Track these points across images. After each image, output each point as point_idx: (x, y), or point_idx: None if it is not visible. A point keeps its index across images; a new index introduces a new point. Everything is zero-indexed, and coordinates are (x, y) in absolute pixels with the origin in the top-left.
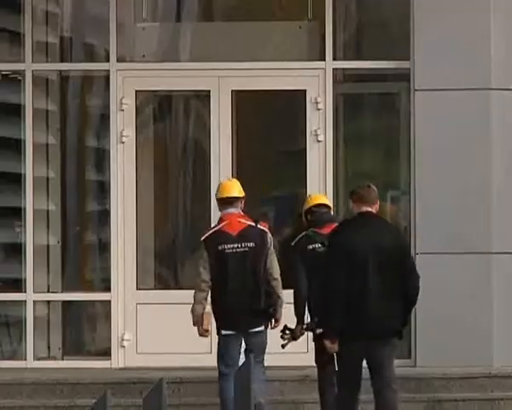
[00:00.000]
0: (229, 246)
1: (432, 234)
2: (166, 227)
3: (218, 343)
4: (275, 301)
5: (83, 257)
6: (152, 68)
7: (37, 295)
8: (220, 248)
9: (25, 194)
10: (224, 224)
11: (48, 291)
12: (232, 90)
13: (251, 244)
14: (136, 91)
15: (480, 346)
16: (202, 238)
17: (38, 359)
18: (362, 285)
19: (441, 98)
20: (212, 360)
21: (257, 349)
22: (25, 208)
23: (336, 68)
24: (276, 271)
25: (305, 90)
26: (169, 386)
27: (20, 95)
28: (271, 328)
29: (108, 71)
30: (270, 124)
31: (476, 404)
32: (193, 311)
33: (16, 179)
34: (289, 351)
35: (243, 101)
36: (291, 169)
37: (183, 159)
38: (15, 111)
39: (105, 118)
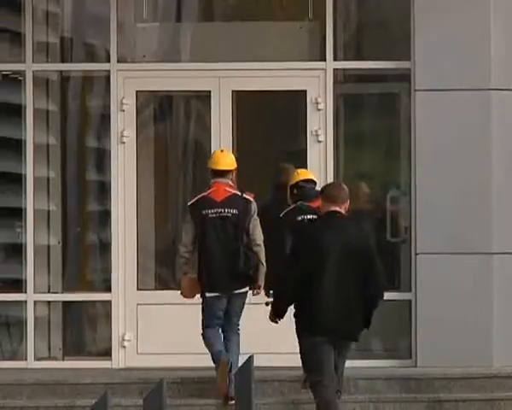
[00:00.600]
0: (212, 211)
1: (432, 234)
2: (167, 227)
3: (202, 304)
4: (255, 264)
5: (83, 257)
6: (152, 69)
7: (37, 295)
8: (204, 212)
9: (25, 194)
10: (210, 191)
11: (48, 291)
12: (232, 91)
13: (234, 211)
14: (137, 92)
15: (480, 346)
16: (189, 204)
17: (39, 359)
18: (323, 285)
19: (441, 98)
20: (212, 361)
21: (237, 311)
22: (25, 209)
23: (337, 68)
24: (258, 237)
25: (305, 91)
26: (169, 386)
27: (20, 95)
28: (253, 294)
29: (109, 71)
30: (271, 124)
31: (476, 404)
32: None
33: (17, 179)
34: (289, 351)
35: (243, 101)
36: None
37: (183, 159)
38: (16, 111)
39: (105, 118)
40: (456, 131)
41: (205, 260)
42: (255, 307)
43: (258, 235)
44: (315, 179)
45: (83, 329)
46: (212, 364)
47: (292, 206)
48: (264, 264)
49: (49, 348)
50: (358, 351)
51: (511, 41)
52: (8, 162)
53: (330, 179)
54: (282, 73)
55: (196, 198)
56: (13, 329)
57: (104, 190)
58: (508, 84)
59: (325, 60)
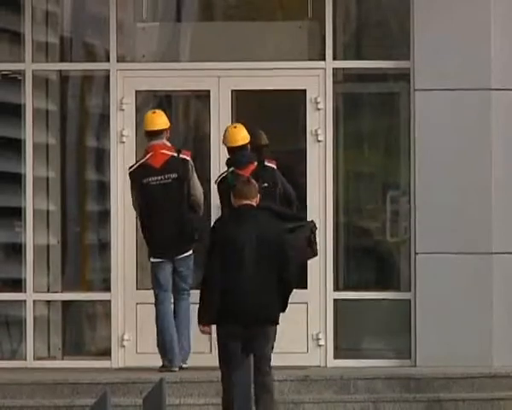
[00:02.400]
0: (153, 179)
1: (432, 234)
2: None
3: (151, 269)
4: (200, 225)
5: (83, 257)
6: (152, 68)
7: (37, 295)
8: (145, 181)
9: (25, 194)
10: (148, 156)
11: (48, 291)
12: (232, 90)
13: (173, 175)
14: (136, 91)
15: (480, 346)
16: (129, 171)
17: (38, 359)
18: (239, 274)
19: (441, 98)
20: (212, 360)
21: (184, 274)
22: (25, 208)
23: (336, 68)
24: (199, 194)
25: (305, 90)
26: (169, 386)
27: (20, 95)
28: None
29: (108, 71)
30: (270, 124)
31: (476, 404)
32: None
33: (16, 179)
34: (289, 351)
35: (243, 101)
36: (291, 169)
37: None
38: (15, 111)
39: (105, 118)
40: (456, 130)
41: (149, 226)
42: None
43: (198, 192)
44: (247, 142)
45: (82, 328)
46: (212, 364)
47: (224, 173)
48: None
49: (49, 348)
50: (358, 351)
51: (511, 41)
52: (8, 162)
53: (330, 179)
54: (281, 72)
55: (135, 166)
56: (12, 328)
57: (103, 189)
58: (508, 84)
59: (325, 59)
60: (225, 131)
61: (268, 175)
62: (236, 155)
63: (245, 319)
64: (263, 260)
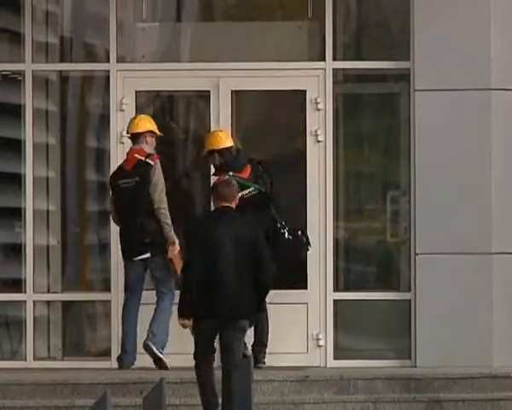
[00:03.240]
0: (122, 181)
1: (432, 234)
2: None
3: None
4: (153, 230)
5: (83, 257)
6: (152, 69)
7: (37, 295)
8: (118, 183)
9: (25, 194)
10: (124, 160)
11: (48, 291)
12: (232, 91)
13: (137, 178)
14: (136, 92)
15: (480, 346)
16: (110, 175)
17: (38, 359)
18: (216, 271)
19: (441, 98)
20: None
21: (158, 277)
22: (25, 208)
23: (336, 68)
24: (157, 201)
25: (304, 91)
26: (169, 386)
27: (20, 95)
28: (170, 256)
29: (108, 71)
30: (270, 124)
31: (476, 404)
32: None
33: (16, 179)
34: (289, 351)
35: (243, 101)
36: (291, 169)
37: (182, 159)
38: (15, 111)
39: (105, 118)
40: (455, 131)
41: (120, 227)
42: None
43: (157, 198)
44: (233, 145)
45: (82, 329)
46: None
47: (226, 177)
48: (169, 224)
49: (49, 348)
50: (358, 351)
51: (511, 41)
52: (8, 162)
53: (330, 179)
54: (281, 72)
55: (115, 169)
56: (12, 329)
57: (103, 189)
58: (508, 84)
59: (325, 60)
60: (210, 136)
61: (266, 176)
62: (228, 158)
63: (220, 313)
64: (239, 258)
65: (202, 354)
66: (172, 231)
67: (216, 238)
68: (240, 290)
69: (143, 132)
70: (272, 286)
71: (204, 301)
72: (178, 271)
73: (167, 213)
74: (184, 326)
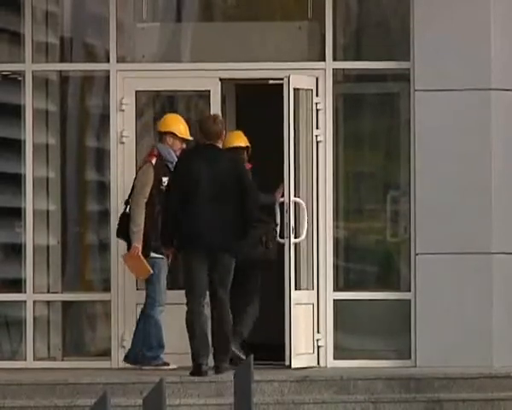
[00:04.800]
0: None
1: (432, 234)
2: None
3: None
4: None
5: (83, 257)
6: (152, 69)
7: (37, 295)
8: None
9: (25, 194)
10: None
11: (48, 291)
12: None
13: (135, 181)
14: (136, 92)
15: (480, 346)
16: None
17: (38, 359)
18: (199, 205)
19: (441, 98)
20: (211, 361)
21: (148, 278)
22: (25, 209)
23: (336, 69)
24: (134, 200)
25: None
26: (169, 386)
27: (20, 95)
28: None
29: (108, 71)
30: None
31: (476, 404)
32: None
33: (16, 180)
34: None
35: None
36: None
37: None
38: (15, 111)
39: (105, 118)
40: (455, 131)
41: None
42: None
43: (134, 196)
44: (243, 145)
45: (82, 329)
46: (211, 364)
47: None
48: (135, 224)
49: (49, 348)
50: (358, 351)
51: (511, 41)
52: (8, 162)
53: (330, 179)
54: (281, 73)
55: None
56: (12, 329)
57: (103, 189)
58: (508, 84)
59: (325, 60)
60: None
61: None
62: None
63: (203, 243)
64: (221, 190)
65: (194, 290)
66: (137, 234)
67: (197, 171)
68: (219, 225)
69: (164, 132)
70: (258, 214)
71: (187, 233)
72: (134, 275)
73: (136, 216)
74: (169, 254)
